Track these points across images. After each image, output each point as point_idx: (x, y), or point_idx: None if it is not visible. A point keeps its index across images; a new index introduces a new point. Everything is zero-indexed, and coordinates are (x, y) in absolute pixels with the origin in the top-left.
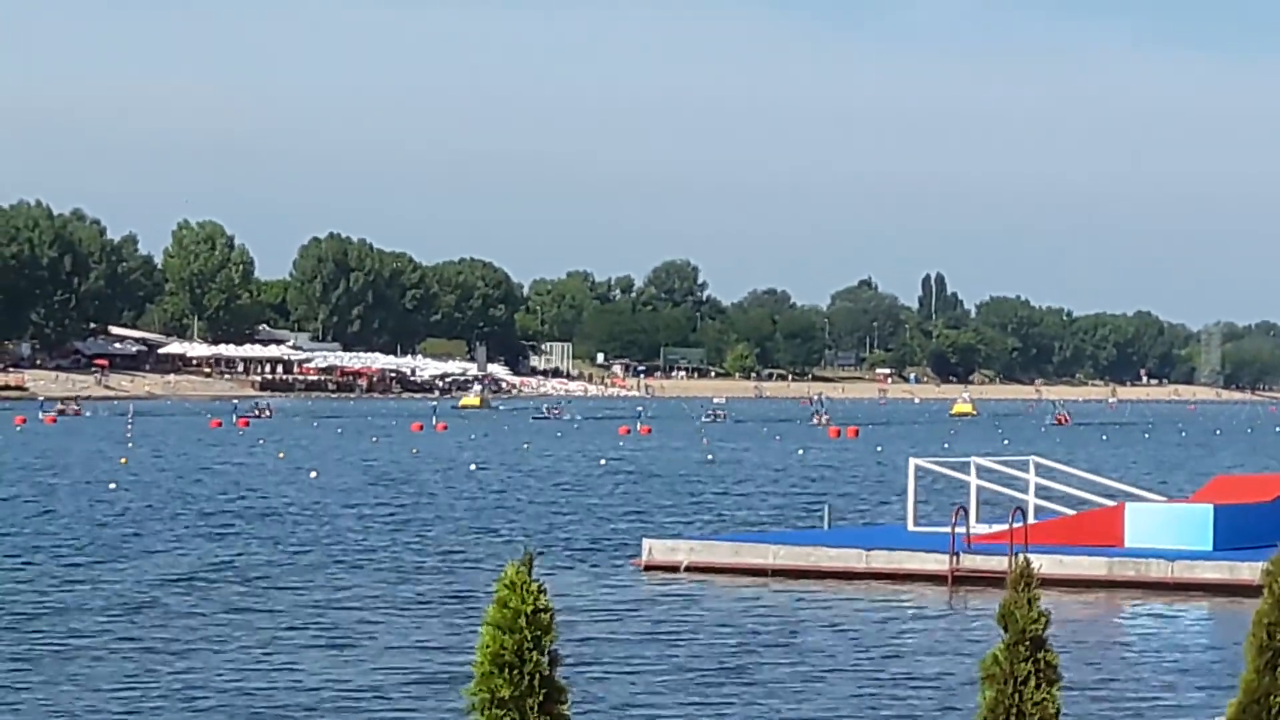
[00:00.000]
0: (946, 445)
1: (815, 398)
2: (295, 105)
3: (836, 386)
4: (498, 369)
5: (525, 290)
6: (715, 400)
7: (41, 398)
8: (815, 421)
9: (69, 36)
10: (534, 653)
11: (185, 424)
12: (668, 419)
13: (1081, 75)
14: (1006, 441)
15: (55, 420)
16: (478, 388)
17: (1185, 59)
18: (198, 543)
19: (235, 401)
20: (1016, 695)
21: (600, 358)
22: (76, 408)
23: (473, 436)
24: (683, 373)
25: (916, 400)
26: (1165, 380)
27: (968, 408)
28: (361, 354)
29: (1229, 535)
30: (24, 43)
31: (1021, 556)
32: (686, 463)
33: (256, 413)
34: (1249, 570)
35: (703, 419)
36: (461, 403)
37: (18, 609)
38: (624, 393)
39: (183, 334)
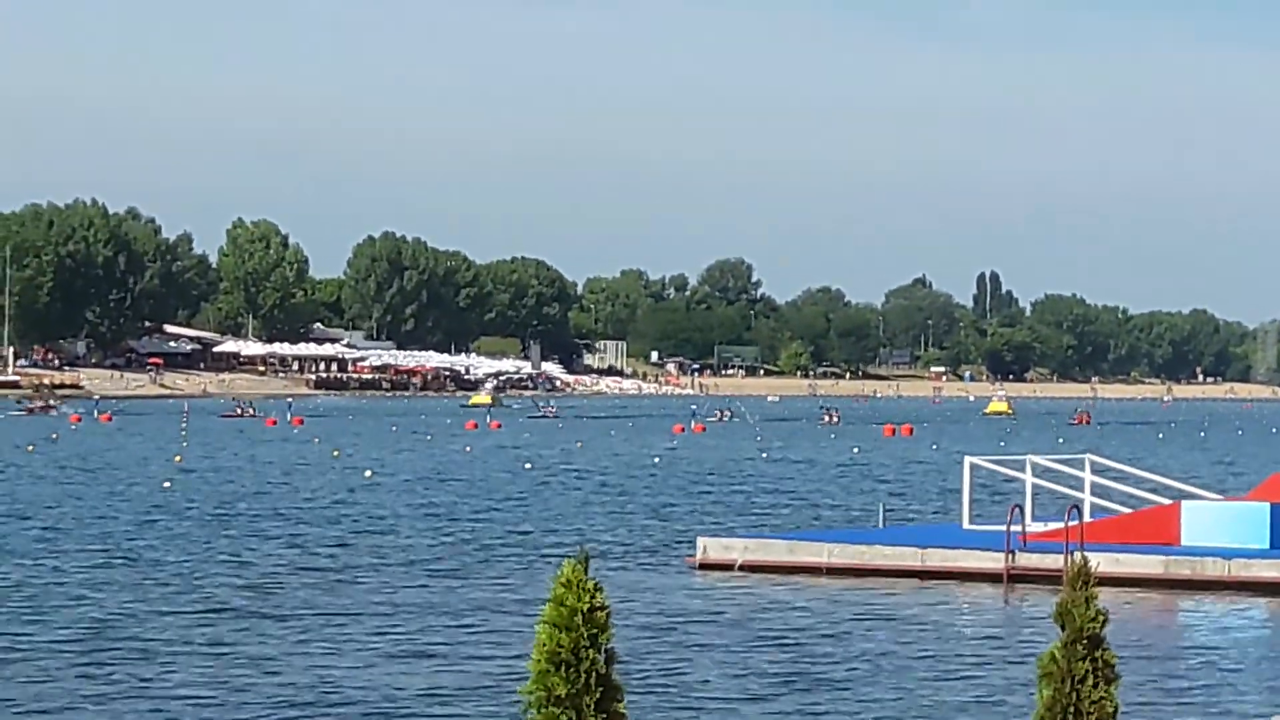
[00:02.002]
0: (1002, 444)
1: (823, 398)
2: (349, 104)
3: (891, 385)
4: (552, 367)
5: (579, 289)
6: (724, 399)
7: (96, 395)
8: (825, 421)
9: (123, 35)
10: (590, 651)
11: (239, 423)
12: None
13: (1138, 72)
14: (1063, 441)
15: (111, 418)
16: (489, 385)
17: (1243, 56)
18: (254, 544)
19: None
20: (1074, 694)
21: (654, 356)
22: (46, 404)
23: (526, 435)
24: (741, 371)
25: (971, 398)
26: (1221, 378)
27: (1003, 406)
28: (415, 353)
29: None
30: (78, 41)
31: (1079, 555)
32: (740, 460)
33: (239, 411)
34: None
35: (708, 418)
36: (471, 400)
37: (79, 614)
38: (678, 391)
39: (237, 333)
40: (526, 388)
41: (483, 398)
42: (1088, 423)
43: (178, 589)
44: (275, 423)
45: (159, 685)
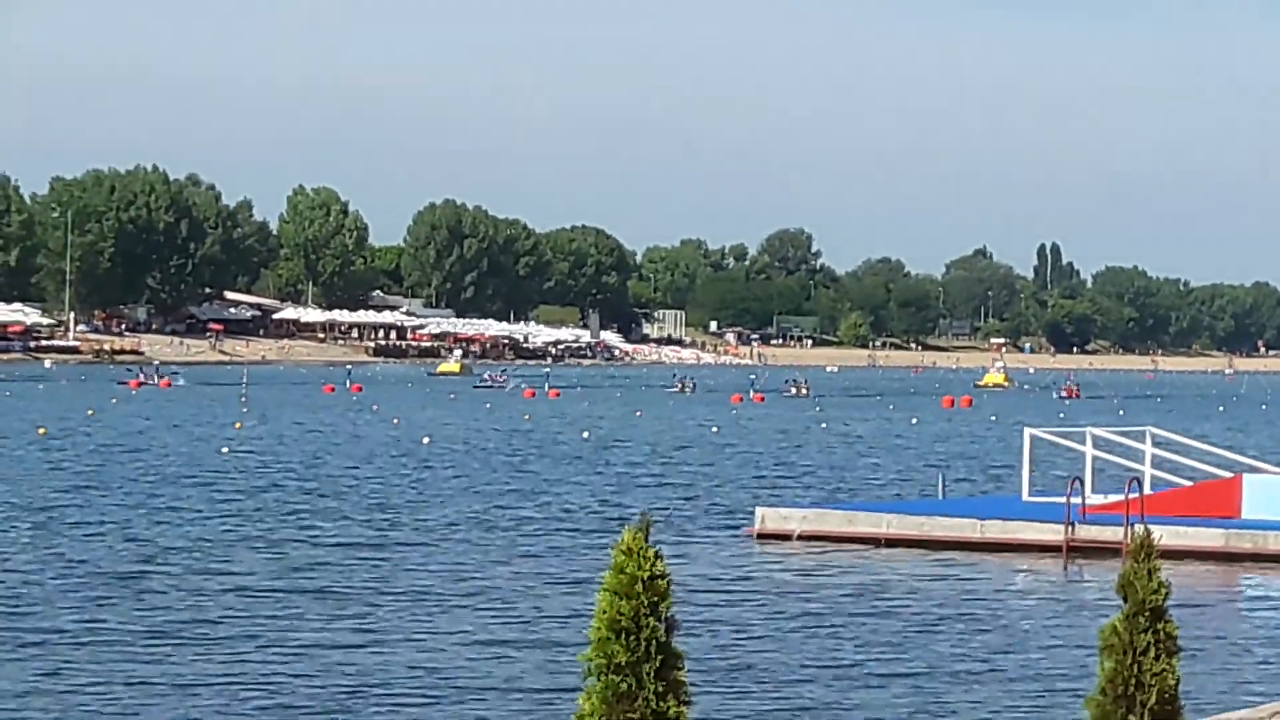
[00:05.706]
0: (1061, 415)
1: (790, 370)
2: (411, 72)
3: (951, 356)
4: (610, 336)
5: (639, 258)
6: (678, 370)
7: (155, 361)
8: (792, 393)
9: (185, 4)
10: (650, 618)
11: (299, 391)
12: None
13: (1202, 47)
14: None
15: (169, 384)
16: (458, 353)
17: None
18: (311, 515)
19: (349, 368)
20: (1136, 666)
21: (713, 326)
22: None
23: (585, 404)
24: (809, 340)
25: (1031, 370)
26: None
27: (999, 378)
28: (474, 320)
29: None
30: (140, 10)
31: (1141, 527)
32: (799, 431)
33: (143, 378)
34: None
35: (669, 389)
36: (440, 368)
37: (133, 583)
38: (738, 361)
39: (297, 300)
40: (585, 356)
41: (452, 365)
42: (1077, 396)
43: (226, 561)
44: (334, 390)
45: (197, 662)
